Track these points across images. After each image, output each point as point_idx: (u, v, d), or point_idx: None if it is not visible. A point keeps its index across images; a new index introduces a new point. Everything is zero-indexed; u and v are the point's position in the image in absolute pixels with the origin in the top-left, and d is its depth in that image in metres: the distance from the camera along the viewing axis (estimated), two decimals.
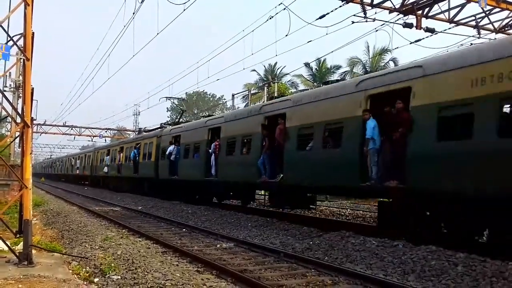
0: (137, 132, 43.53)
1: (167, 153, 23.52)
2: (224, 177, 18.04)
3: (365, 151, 11.13)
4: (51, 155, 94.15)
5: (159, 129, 28.42)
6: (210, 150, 19.15)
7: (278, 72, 48.25)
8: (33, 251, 8.50)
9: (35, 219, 14.86)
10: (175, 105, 76.17)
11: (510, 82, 8.06)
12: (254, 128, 15.94)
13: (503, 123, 8.44)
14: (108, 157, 37.37)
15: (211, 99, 76.31)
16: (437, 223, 9.98)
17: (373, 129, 10.94)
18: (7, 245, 8.52)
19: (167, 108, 77.40)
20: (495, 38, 17.26)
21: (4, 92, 12.86)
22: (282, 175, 14.26)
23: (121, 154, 33.44)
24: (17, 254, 8.13)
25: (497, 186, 8.25)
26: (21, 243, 8.58)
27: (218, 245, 10.81)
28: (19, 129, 9.19)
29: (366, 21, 15.61)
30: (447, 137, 9.22)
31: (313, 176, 12.97)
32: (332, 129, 12.45)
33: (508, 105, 9.28)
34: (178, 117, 34.42)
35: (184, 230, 13.54)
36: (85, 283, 7.36)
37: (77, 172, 51.12)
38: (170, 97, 31.02)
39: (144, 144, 28.67)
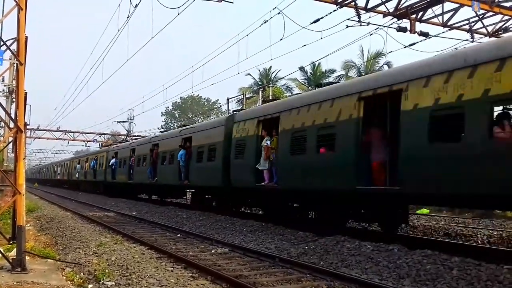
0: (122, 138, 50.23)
1: (109, 164, 33.97)
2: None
3: None
4: (39, 162, 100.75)
5: (113, 145, 40.49)
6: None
7: (273, 76, 48.29)
8: (27, 258, 8.44)
9: (28, 225, 14.76)
10: (169, 110, 76.26)
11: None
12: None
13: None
14: (79, 165, 47.07)
15: (206, 103, 76.21)
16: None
17: None
18: (0, 251, 8.45)
19: (161, 112, 77.28)
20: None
21: None
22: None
23: (86, 163, 43.58)
24: (10, 261, 8.07)
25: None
26: (15, 249, 8.51)
27: (213, 250, 10.77)
28: (12, 134, 9.13)
29: (360, 25, 15.67)
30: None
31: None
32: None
33: None
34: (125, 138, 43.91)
35: (179, 235, 13.49)
36: None
37: (58, 177, 61.34)
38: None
39: (100, 157, 38.89)
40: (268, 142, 14.55)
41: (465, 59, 8.90)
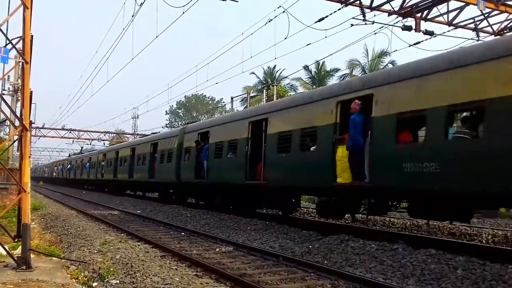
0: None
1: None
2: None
3: None
4: (38, 163, 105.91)
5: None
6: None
7: (277, 75, 48.28)
8: (32, 256, 8.48)
9: (33, 223, 14.84)
10: (173, 109, 76.35)
11: None
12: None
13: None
14: (70, 165, 55.35)
15: (210, 102, 76.28)
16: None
17: None
18: (5, 249, 8.49)
19: (166, 111, 77.38)
20: None
21: (3, 95, 12.84)
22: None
23: (72, 163, 53.83)
24: (16, 259, 8.11)
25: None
26: (20, 247, 8.56)
27: (217, 249, 10.78)
28: (17, 133, 9.17)
29: (365, 23, 15.63)
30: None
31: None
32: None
33: None
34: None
35: (183, 233, 13.51)
36: (83, 287, 7.34)
37: (55, 175, 68.99)
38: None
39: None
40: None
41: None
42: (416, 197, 10.72)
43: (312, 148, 12.69)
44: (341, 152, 11.28)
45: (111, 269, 8.16)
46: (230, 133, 17.38)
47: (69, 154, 67.72)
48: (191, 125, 23.31)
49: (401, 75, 10.38)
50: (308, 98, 13.97)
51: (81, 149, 63.01)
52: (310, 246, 10.41)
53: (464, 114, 9.97)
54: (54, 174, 60.28)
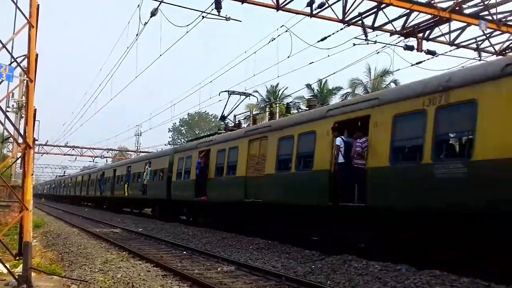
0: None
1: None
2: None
3: None
4: (36, 181, 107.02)
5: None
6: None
7: (280, 93, 48.46)
8: (33, 274, 8.42)
9: (35, 241, 14.77)
10: (176, 126, 76.57)
11: None
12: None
13: None
14: (64, 183, 62.73)
15: (213, 119, 76.50)
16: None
17: None
18: (6, 267, 8.44)
19: (168, 128, 77.61)
20: None
21: (7, 113, 12.88)
22: None
23: (65, 181, 61.16)
24: (17, 277, 8.05)
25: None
26: (21, 265, 8.50)
27: (219, 268, 10.70)
28: (21, 150, 9.18)
29: (368, 43, 15.72)
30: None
31: None
32: None
33: None
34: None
35: (184, 252, 13.43)
36: None
37: (51, 192, 76.40)
38: None
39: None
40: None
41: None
42: None
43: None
44: None
45: None
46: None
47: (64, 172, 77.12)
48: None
49: None
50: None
51: (64, 173, 76.13)
52: (313, 266, 10.33)
53: None
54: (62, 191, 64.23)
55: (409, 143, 10.14)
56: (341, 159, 11.51)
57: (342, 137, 11.88)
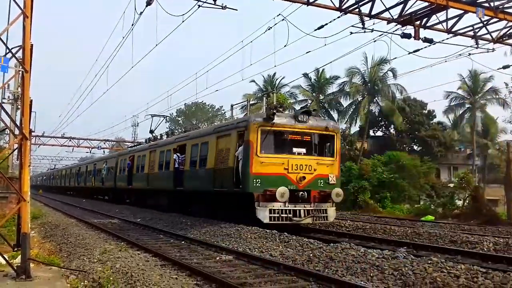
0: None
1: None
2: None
3: None
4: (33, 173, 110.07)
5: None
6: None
7: (277, 83, 48.35)
8: (31, 265, 8.44)
9: (33, 232, 14.78)
10: (173, 117, 76.42)
11: None
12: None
13: None
14: (52, 176, 70.31)
15: (210, 109, 76.40)
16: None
17: None
18: (4, 258, 8.46)
19: (166, 119, 77.36)
20: (493, 49, 17.38)
21: (3, 104, 12.82)
22: None
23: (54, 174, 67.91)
24: (15, 268, 8.07)
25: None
26: (19, 256, 8.52)
27: (218, 258, 10.73)
28: (17, 142, 9.15)
29: (365, 31, 15.63)
30: None
31: None
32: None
33: None
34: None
35: (183, 242, 13.46)
36: None
37: (44, 183, 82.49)
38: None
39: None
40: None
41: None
42: None
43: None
44: None
45: (111, 278, 8.12)
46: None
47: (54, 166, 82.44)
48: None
49: None
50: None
51: (54, 167, 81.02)
52: (311, 255, 10.36)
53: None
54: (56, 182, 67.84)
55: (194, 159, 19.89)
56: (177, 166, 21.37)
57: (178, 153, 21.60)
